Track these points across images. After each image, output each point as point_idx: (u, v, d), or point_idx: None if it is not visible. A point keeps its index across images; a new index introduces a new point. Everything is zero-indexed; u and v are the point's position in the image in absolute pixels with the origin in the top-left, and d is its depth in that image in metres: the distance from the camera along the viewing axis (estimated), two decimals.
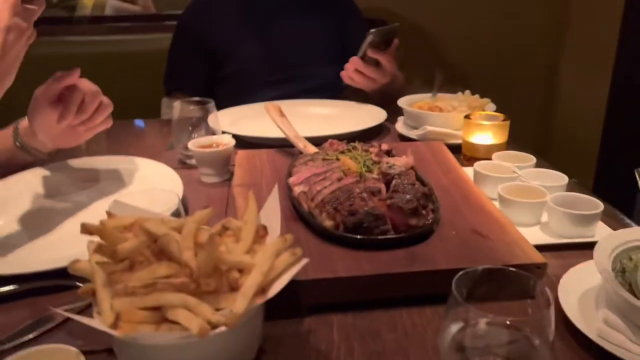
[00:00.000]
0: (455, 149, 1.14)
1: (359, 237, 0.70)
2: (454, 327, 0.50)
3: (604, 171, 2.02)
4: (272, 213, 0.60)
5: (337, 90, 1.73)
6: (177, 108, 1.12)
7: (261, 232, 0.56)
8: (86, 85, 0.91)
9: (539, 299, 0.50)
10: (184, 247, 0.49)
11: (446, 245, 0.71)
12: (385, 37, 1.38)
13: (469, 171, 0.98)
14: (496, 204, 0.86)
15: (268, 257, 0.52)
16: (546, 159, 1.07)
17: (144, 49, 1.94)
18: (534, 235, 0.81)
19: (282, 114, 1.03)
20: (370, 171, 0.82)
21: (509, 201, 0.84)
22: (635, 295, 0.58)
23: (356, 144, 0.92)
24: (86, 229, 0.51)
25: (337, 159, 0.84)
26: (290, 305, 0.65)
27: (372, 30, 1.32)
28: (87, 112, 0.92)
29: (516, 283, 0.51)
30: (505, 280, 0.51)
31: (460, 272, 0.50)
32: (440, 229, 0.75)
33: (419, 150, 1.05)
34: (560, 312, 0.62)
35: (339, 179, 0.79)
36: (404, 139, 1.26)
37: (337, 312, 0.66)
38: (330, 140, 0.96)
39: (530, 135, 2.19)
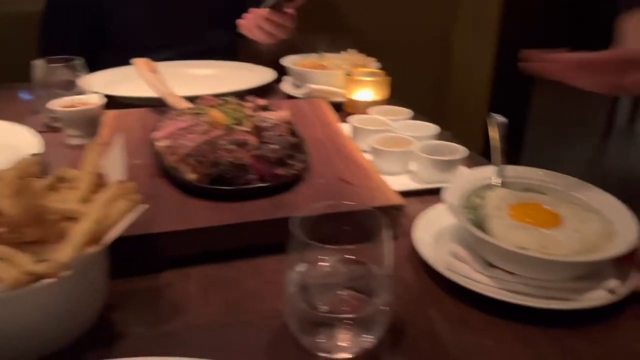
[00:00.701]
0: (340, 107, 1.15)
1: (219, 187, 0.68)
2: (298, 269, 0.50)
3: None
4: (115, 163, 0.56)
5: (230, 53, 1.69)
6: (40, 68, 1.04)
7: (99, 181, 0.53)
8: None
9: (379, 234, 0.50)
10: (0, 195, 0.45)
11: (312, 193, 0.71)
12: None
13: (349, 127, 0.99)
14: (371, 155, 0.88)
15: (102, 205, 0.49)
16: (442, 123, 1.09)
17: (18, 10, 1.78)
18: (402, 182, 0.84)
19: (153, 70, 0.98)
20: (240, 124, 0.80)
21: (378, 151, 0.86)
22: (484, 230, 0.61)
23: (229, 98, 0.89)
24: None
25: (205, 113, 0.81)
26: (148, 259, 0.62)
27: None
28: None
29: (358, 222, 0.51)
30: (348, 220, 0.52)
31: (300, 214, 0.49)
32: (308, 178, 0.75)
33: (300, 107, 1.04)
34: (414, 248, 0.64)
35: (205, 132, 0.76)
36: (290, 98, 1.25)
37: (198, 265, 0.64)
38: (203, 96, 0.92)
39: (427, 100, 2.26)
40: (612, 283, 0.56)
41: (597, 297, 0.56)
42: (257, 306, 0.58)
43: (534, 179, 0.70)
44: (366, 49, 1.38)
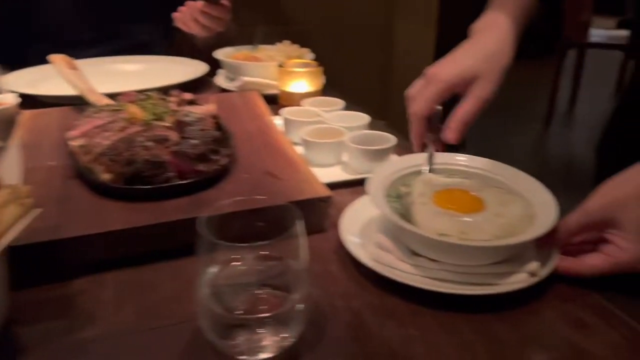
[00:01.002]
0: (276, 99, 1.13)
1: (133, 187, 0.65)
2: (210, 270, 0.48)
3: None
4: (11, 166, 0.52)
5: (164, 48, 1.64)
6: None
7: None
8: None
9: (293, 228, 0.48)
10: None
11: (235, 189, 0.69)
12: None
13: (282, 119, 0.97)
14: (302, 148, 0.86)
15: None
16: (387, 116, 1.08)
17: None
18: (334, 173, 0.83)
19: (73, 66, 0.93)
20: (160, 120, 0.76)
21: (309, 143, 0.84)
22: (409, 219, 0.60)
23: (151, 93, 0.85)
24: None
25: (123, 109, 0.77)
26: (59, 267, 0.59)
27: None
28: None
29: (271, 217, 0.49)
30: (261, 215, 0.50)
31: (208, 213, 0.47)
32: (233, 173, 0.73)
33: (232, 101, 1.02)
34: (334, 238, 0.63)
35: (122, 129, 0.72)
36: (224, 91, 1.22)
37: (114, 269, 0.60)
38: (125, 92, 0.88)
39: (371, 95, 2.26)
40: (533, 265, 0.56)
41: (518, 280, 0.56)
42: (176, 310, 0.55)
43: (460, 165, 0.70)
44: (305, 41, 1.35)
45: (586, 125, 3.61)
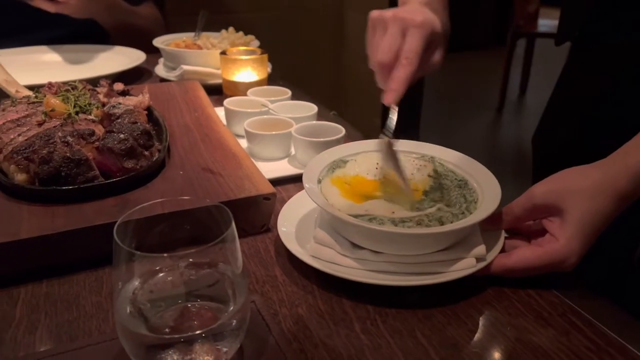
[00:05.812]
0: (220, 89, 1.06)
1: (46, 188, 0.57)
2: (131, 285, 0.41)
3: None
4: None
5: (99, 37, 1.53)
6: None
7: None
8: None
9: (224, 232, 0.43)
10: None
11: (168, 187, 0.62)
12: None
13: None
14: (246, 140, 0.80)
15: None
16: (338, 106, 1.03)
17: None
18: (282, 167, 0.78)
19: None
20: (85, 112, 0.69)
21: (253, 135, 0.79)
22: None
23: (77, 83, 0.78)
24: None
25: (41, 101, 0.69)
26: None
27: None
28: None
29: (202, 220, 0.43)
30: (190, 219, 0.44)
31: (122, 219, 0.40)
32: (167, 170, 0.66)
33: (170, 91, 0.95)
34: (278, 238, 0.58)
35: (40, 124, 0.65)
36: (164, 81, 1.14)
37: (28, 282, 0.53)
38: (49, 82, 0.80)
39: (322, 84, 2.21)
40: (480, 249, 0.53)
41: (466, 266, 0.52)
42: (97, 327, 0.49)
43: (413, 152, 0.66)
44: (250, 28, 1.29)
45: (535, 112, 3.68)
